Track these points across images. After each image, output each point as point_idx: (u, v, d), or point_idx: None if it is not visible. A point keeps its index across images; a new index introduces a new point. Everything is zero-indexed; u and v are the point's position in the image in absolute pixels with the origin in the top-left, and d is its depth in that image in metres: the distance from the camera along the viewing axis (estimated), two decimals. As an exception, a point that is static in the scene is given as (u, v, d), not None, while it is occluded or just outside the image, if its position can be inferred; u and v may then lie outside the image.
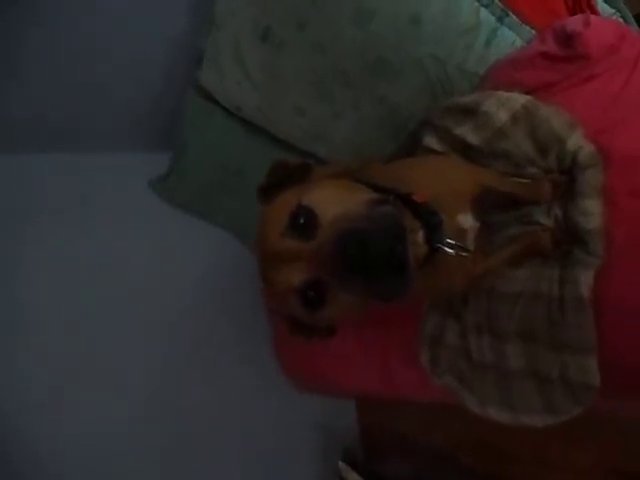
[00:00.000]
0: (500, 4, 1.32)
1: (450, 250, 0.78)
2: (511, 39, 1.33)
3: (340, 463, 2.00)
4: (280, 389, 1.88)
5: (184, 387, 1.85)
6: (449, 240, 0.79)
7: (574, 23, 1.15)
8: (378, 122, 1.54)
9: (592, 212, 1.03)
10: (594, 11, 1.33)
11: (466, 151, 1.19)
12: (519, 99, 1.14)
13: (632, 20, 1.36)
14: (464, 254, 0.80)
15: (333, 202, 0.70)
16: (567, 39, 1.15)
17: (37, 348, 1.61)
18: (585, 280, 1.01)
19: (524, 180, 1.14)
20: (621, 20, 1.35)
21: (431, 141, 1.27)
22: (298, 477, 2.12)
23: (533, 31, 1.32)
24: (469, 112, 1.20)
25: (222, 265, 2.13)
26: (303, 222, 0.69)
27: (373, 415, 2.26)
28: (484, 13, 1.32)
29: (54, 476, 1.55)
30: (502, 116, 1.14)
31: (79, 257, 1.77)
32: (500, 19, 1.32)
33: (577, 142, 1.07)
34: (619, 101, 1.07)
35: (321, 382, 1.60)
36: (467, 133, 1.19)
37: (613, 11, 1.36)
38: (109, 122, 1.86)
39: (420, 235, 0.75)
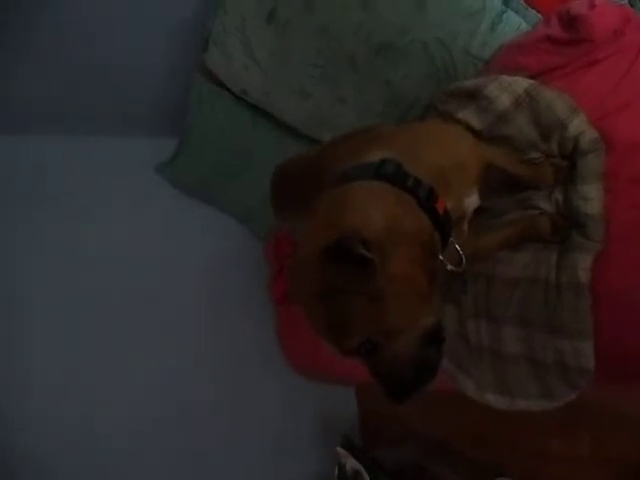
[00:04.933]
0: (506, -13, 1.32)
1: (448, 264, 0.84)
2: (517, 23, 1.32)
3: (338, 449, 2.00)
4: (282, 376, 1.91)
5: (180, 375, 1.86)
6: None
7: (579, 6, 1.15)
8: (382, 108, 1.54)
9: (592, 197, 1.02)
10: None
11: None
12: (522, 83, 1.14)
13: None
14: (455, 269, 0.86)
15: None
16: (571, 22, 1.14)
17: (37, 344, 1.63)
18: (583, 265, 1.00)
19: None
20: (627, 4, 1.32)
21: None
22: (298, 462, 2.14)
23: (539, 15, 1.31)
24: (471, 96, 1.19)
25: (227, 251, 2.15)
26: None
27: (372, 403, 2.26)
28: (490, -4, 1.31)
29: (54, 476, 1.58)
30: (504, 100, 1.14)
31: (81, 242, 1.77)
32: (506, 2, 1.31)
33: (579, 127, 1.06)
34: (622, 86, 1.06)
35: (323, 370, 1.60)
36: (470, 117, 1.18)
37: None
38: (114, 107, 1.86)
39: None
